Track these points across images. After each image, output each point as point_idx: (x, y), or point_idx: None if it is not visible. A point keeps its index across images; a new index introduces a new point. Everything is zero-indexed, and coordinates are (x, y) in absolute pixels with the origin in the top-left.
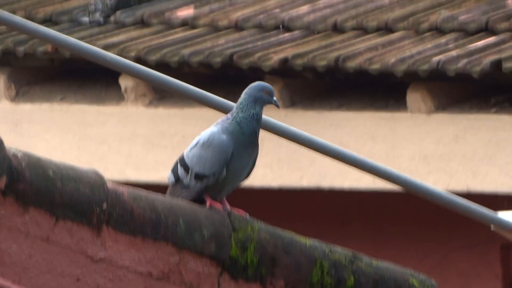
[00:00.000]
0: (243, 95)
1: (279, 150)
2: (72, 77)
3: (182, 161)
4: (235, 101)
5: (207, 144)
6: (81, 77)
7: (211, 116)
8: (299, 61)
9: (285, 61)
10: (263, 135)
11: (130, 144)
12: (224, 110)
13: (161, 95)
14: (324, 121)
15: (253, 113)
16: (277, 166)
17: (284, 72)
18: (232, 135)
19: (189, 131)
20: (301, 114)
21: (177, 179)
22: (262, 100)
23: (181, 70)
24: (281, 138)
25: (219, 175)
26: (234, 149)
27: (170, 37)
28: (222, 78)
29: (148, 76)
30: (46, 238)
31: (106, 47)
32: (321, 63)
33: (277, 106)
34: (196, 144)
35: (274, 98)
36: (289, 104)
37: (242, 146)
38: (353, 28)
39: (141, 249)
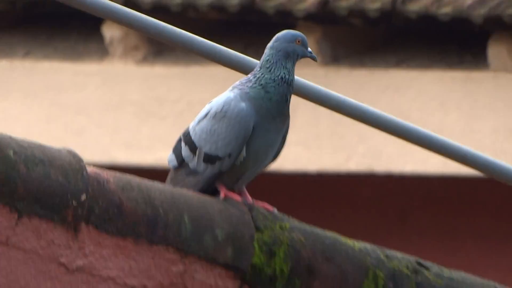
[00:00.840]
0: (268, 49)
1: (318, 123)
2: (39, 25)
3: (187, 137)
4: (258, 57)
5: (221, 114)
6: (51, 25)
7: (226, 77)
8: (343, 3)
9: (324, 3)
10: (295, 101)
11: (117, 114)
12: (244, 69)
13: (158, 48)
14: (377, 83)
15: (283, 74)
16: (315, 144)
17: (324, 18)
18: (254, 103)
19: (196, 97)
20: (346, 74)
21: (181, 161)
22: (294, 53)
23: (185, 15)
24: (320, 106)
25: (237, 156)
26: (256, 122)
27: None
28: (240, 26)
29: (141, 24)
30: (5, 241)
31: None
32: (373, 5)
33: (314, 59)
34: (206, 115)
35: (309, 49)
36: (330, 60)
37: (267, 118)
38: None
39: (133, 255)
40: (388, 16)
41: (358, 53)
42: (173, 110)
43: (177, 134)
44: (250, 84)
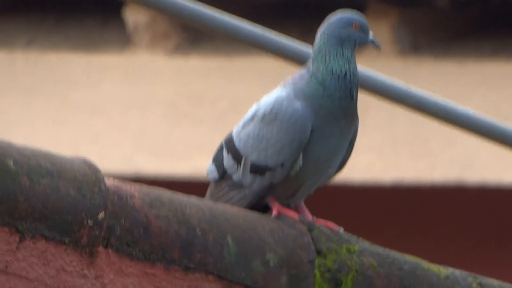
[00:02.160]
0: (318, 36)
1: (394, 124)
2: (45, 9)
3: (230, 144)
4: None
5: (271, 116)
6: (60, 9)
7: (278, 70)
8: None
9: None
10: (367, 99)
11: (143, 115)
12: (300, 60)
13: (194, 36)
14: (468, 77)
15: (342, 64)
16: (390, 150)
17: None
18: (311, 102)
19: (241, 95)
20: (429, 66)
21: (223, 173)
22: (351, 40)
23: None
24: (397, 104)
25: (291, 166)
26: (315, 124)
27: None
28: (296, 8)
29: (172, 6)
30: (4, 268)
31: None
32: None
33: (377, 46)
34: (253, 117)
35: (371, 34)
36: (409, 49)
37: (329, 119)
38: None
39: (163, 284)
40: None
41: (444, 41)
42: (213, 111)
43: (218, 140)
44: (305, 80)
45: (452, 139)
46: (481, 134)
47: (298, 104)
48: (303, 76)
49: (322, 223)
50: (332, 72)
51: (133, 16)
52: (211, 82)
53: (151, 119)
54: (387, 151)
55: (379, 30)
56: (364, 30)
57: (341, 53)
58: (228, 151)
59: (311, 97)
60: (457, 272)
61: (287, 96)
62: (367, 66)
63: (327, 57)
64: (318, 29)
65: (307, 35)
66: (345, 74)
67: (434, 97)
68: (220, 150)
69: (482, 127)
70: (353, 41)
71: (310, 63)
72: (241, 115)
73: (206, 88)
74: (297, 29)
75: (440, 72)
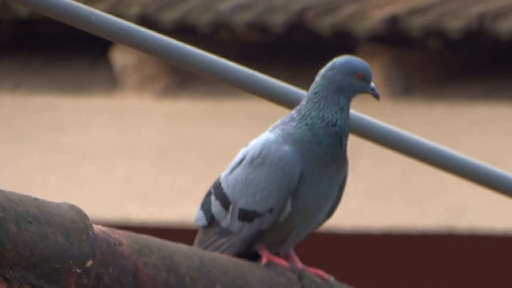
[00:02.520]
0: (319, 78)
1: (385, 169)
2: (32, 50)
3: (218, 189)
4: (306, 87)
5: (259, 160)
6: (47, 50)
7: (268, 114)
8: (417, 21)
9: (393, 20)
10: (357, 143)
11: (131, 160)
12: (290, 103)
13: (182, 78)
14: (460, 120)
15: (334, 112)
16: (381, 196)
17: (393, 39)
18: (300, 146)
19: (230, 139)
20: (420, 109)
21: (211, 219)
22: (351, 88)
23: (216, 36)
24: (388, 148)
25: (280, 211)
26: (304, 169)
27: None
28: (286, 50)
29: (161, 47)
30: None
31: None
32: (455, 23)
33: (376, 97)
34: (241, 162)
35: (372, 84)
36: (401, 91)
37: (317, 164)
38: None
39: None
40: (474, 36)
41: (436, 83)
42: (202, 156)
43: (207, 185)
44: (294, 124)
45: (444, 185)
46: (473, 179)
47: (286, 148)
48: (293, 118)
49: (312, 271)
50: (323, 119)
51: (121, 58)
52: (200, 125)
53: (139, 164)
54: (378, 197)
55: None
56: (366, 80)
57: (337, 101)
58: (216, 197)
59: (300, 142)
60: None
61: (275, 139)
62: (358, 109)
63: (322, 103)
64: (320, 70)
65: (297, 77)
66: (336, 123)
67: (426, 141)
68: (208, 196)
69: (474, 173)
70: (352, 91)
71: (302, 105)
72: (230, 160)
73: (194, 132)
74: (286, 72)
75: (432, 115)
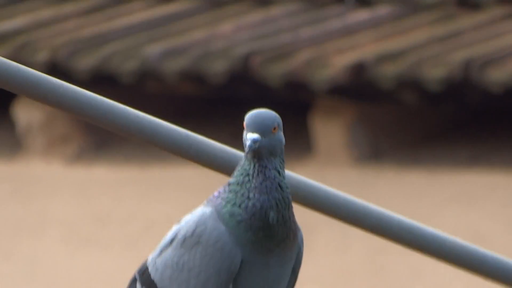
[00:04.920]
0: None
1: (347, 250)
2: None
3: (144, 275)
4: None
5: (194, 240)
6: None
7: (202, 182)
8: (388, 69)
9: (359, 68)
10: (310, 219)
11: (36, 239)
12: (230, 169)
13: (100, 140)
14: (440, 192)
15: (255, 174)
16: (343, 282)
17: (358, 92)
18: (231, 231)
19: (156, 213)
20: (392, 177)
21: None
22: (245, 145)
23: (142, 87)
24: (350, 225)
25: None
26: (243, 252)
27: (120, 20)
28: (227, 104)
29: (74, 101)
30: None
31: None
32: (435, 72)
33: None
34: (172, 241)
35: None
36: (369, 155)
37: (256, 247)
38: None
39: None
40: (458, 88)
41: (411, 146)
42: (122, 233)
43: (129, 269)
44: (221, 201)
45: (419, 269)
46: (455, 262)
47: (223, 227)
48: (221, 194)
49: None
50: (249, 186)
51: (25, 115)
52: (121, 197)
53: (46, 243)
54: (339, 283)
55: (331, 132)
56: (248, 129)
57: (255, 162)
58: (142, 284)
59: (228, 225)
60: None
61: (211, 215)
62: (315, 176)
63: (243, 168)
64: None
65: (241, 138)
66: (251, 195)
67: (398, 216)
68: (132, 283)
69: (456, 254)
70: (248, 147)
71: (236, 173)
72: (158, 238)
73: (114, 205)
74: (229, 130)
75: (405, 184)
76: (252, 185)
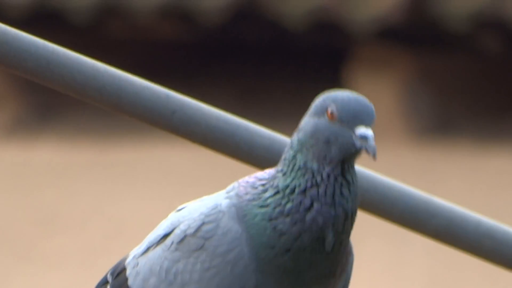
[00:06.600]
0: (299, 131)
1: (408, 262)
2: None
3: (118, 278)
4: (258, 116)
5: (197, 242)
6: None
7: (194, 170)
8: (458, 3)
9: (417, 3)
10: (363, 224)
11: None
12: (232, 149)
13: (44, 106)
14: None
15: (330, 180)
16: None
17: (417, 37)
18: (265, 232)
19: (125, 215)
20: (466, 157)
21: None
22: (320, 139)
23: (101, 30)
24: (409, 229)
25: None
26: (265, 278)
27: None
28: (225, 54)
29: (7, 50)
30: None
31: None
32: None
33: (372, 155)
34: (165, 238)
35: (362, 131)
36: (434, 125)
37: (294, 275)
38: None
39: None
40: None
41: (491, 113)
42: (75, 242)
43: (91, 281)
44: (256, 194)
45: (494, 278)
46: None
47: (237, 227)
48: (264, 182)
49: None
50: (299, 191)
51: None
52: (73, 189)
53: None
54: None
55: (379, 94)
56: (347, 121)
57: (322, 167)
58: None
59: (253, 230)
60: None
61: (228, 209)
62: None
63: (292, 168)
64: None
65: (249, 104)
66: (312, 203)
67: (474, 215)
68: (101, 287)
69: None
70: (343, 151)
71: (280, 165)
72: (125, 249)
73: (63, 201)
74: (229, 91)
75: (484, 167)
76: (320, 192)
